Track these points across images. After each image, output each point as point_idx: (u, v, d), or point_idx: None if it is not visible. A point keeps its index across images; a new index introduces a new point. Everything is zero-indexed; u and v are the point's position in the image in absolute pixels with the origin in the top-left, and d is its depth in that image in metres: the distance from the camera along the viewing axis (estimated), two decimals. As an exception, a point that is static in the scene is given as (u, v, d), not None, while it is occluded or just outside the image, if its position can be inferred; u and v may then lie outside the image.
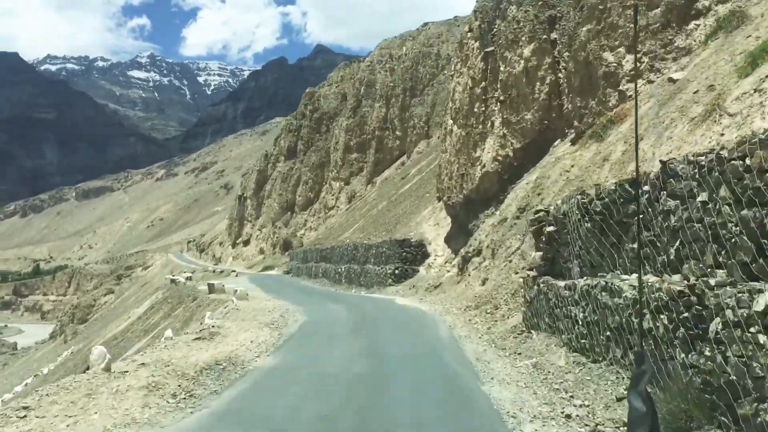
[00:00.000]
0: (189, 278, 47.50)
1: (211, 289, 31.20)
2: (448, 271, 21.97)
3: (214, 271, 70.64)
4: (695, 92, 13.51)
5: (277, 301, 24.58)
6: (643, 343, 6.55)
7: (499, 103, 25.38)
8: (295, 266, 49.78)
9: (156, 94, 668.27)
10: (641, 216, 8.30)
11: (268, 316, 20.10)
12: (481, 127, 25.81)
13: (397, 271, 26.12)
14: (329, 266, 36.56)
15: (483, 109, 26.26)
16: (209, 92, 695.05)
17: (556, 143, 23.31)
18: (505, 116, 24.75)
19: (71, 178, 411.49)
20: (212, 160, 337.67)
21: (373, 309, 20.87)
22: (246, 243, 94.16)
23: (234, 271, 65.57)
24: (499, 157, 23.91)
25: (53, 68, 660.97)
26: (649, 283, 7.34)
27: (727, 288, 6.01)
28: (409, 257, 26.41)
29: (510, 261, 17.78)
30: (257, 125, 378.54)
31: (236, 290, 26.95)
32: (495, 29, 27.01)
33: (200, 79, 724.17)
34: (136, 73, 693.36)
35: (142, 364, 11.27)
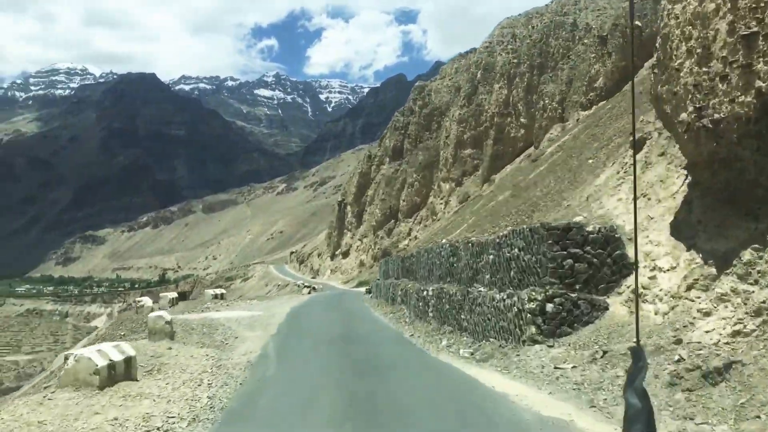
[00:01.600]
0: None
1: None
2: (726, 318, 7.63)
3: (299, 286, 59.53)
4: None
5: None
6: (639, 341, 5.70)
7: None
8: (376, 284, 36.67)
9: (280, 112, 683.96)
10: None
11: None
12: None
13: (549, 307, 11.12)
14: (412, 285, 22.70)
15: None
16: (330, 109, 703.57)
17: None
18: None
19: (199, 192, 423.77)
20: (330, 175, 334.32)
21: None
22: (345, 254, 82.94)
23: (311, 287, 54.03)
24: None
25: (187, 88, 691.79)
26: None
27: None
28: (579, 270, 11.34)
29: None
30: (375, 140, 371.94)
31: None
32: None
33: (322, 97, 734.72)
34: (262, 92, 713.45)
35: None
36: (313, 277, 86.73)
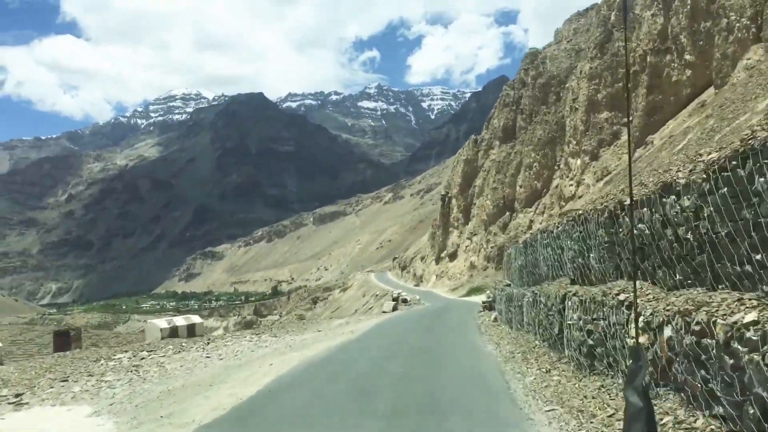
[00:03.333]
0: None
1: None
2: None
3: (396, 299, 46.30)
4: None
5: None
6: (639, 341, 5.91)
7: None
8: (499, 293, 22.95)
9: (383, 122, 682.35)
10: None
11: None
12: None
13: None
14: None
15: None
16: (432, 116, 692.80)
17: None
18: None
19: (309, 205, 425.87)
20: (436, 182, 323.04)
21: None
22: (452, 257, 69.05)
23: (398, 299, 40.38)
24: None
25: (293, 105, 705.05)
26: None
27: None
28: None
29: None
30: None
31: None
32: None
33: (424, 105, 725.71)
34: (365, 104, 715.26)
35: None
36: (416, 285, 73.50)
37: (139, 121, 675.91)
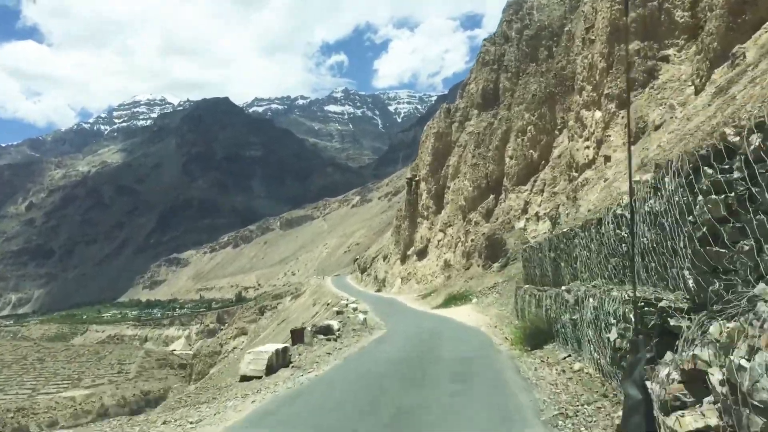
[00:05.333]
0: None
1: None
2: None
3: (340, 312, 30.66)
4: None
5: None
6: (639, 333, 5.73)
7: None
8: (525, 304, 8.46)
9: (350, 126, 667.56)
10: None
11: None
12: None
13: None
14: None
15: None
16: (399, 120, 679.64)
17: None
18: None
19: (277, 209, 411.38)
20: (403, 184, 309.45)
21: None
22: (421, 254, 53.29)
23: (316, 329, 24.03)
24: None
25: (260, 109, 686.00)
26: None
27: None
28: None
29: None
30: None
31: None
32: None
33: (391, 108, 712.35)
34: (332, 108, 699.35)
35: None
36: (377, 290, 57.76)
37: (102, 127, 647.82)
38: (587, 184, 32.33)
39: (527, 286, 16.94)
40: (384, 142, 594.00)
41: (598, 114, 32.99)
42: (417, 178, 56.44)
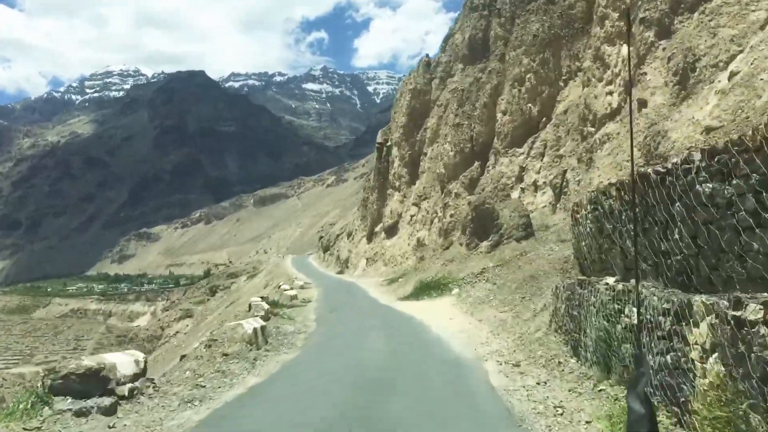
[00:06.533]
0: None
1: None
2: None
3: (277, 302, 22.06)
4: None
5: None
6: (641, 346, 5.87)
7: None
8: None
9: (328, 105, 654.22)
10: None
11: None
12: None
13: None
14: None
15: None
16: (378, 100, 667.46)
17: None
18: None
19: (250, 187, 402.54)
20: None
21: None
22: (390, 232, 44.61)
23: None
24: None
25: (236, 85, 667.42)
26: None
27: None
28: None
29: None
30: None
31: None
32: None
33: (369, 89, 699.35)
34: (310, 86, 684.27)
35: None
36: (339, 272, 49.15)
37: (73, 97, 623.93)
38: (608, 141, 23.87)
39: (592, 279, 8.40)
40: (362, 123, 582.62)
41: (624, 51, 24.38)
42: (389, 143, 47.46)
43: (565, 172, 27.85)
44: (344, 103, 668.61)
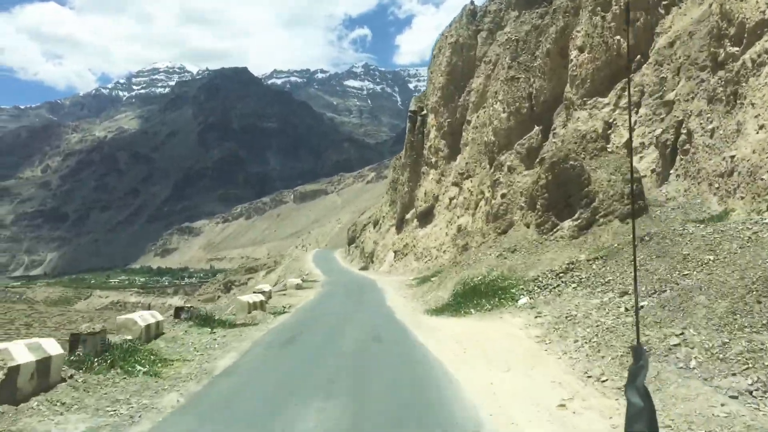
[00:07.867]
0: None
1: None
2: None
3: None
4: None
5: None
6: (639, 340, 5.32)
7: None
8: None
9: (369, 102, 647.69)
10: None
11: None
12: None
13: None
14: None
15: None
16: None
17: None
18: None
19: (291, 183, 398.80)
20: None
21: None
22: (424, 218, 35.52)
23: None
24: None
25: (278, 81, 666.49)
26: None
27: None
28: None
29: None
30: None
31: None
32: None
33: (410, 86, 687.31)
34: (351, 83, 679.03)
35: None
36: (363, 268, 40.42)
37: (120, 93, 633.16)
38: (769, 63, 14.47)
39: None
40: (402, 120, 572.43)
41: None
42: (423, 111, 38.21)
43: (680, 123, 18.48)
44: (385, 100, 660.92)
